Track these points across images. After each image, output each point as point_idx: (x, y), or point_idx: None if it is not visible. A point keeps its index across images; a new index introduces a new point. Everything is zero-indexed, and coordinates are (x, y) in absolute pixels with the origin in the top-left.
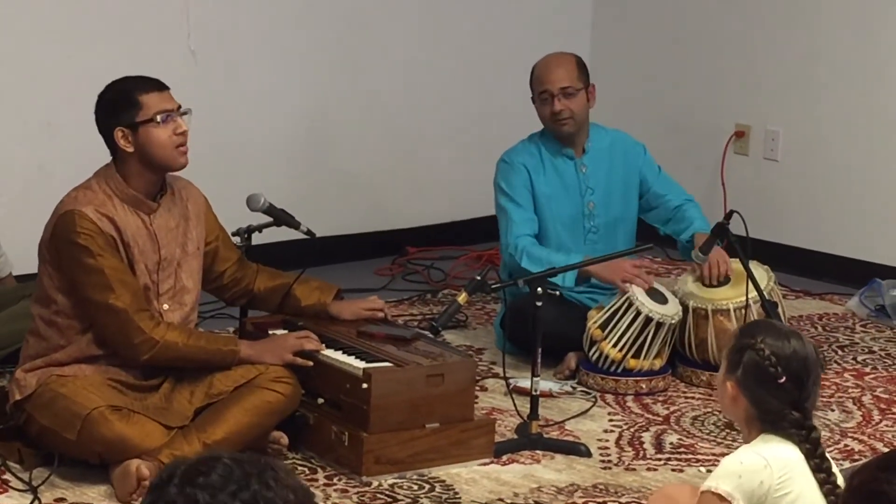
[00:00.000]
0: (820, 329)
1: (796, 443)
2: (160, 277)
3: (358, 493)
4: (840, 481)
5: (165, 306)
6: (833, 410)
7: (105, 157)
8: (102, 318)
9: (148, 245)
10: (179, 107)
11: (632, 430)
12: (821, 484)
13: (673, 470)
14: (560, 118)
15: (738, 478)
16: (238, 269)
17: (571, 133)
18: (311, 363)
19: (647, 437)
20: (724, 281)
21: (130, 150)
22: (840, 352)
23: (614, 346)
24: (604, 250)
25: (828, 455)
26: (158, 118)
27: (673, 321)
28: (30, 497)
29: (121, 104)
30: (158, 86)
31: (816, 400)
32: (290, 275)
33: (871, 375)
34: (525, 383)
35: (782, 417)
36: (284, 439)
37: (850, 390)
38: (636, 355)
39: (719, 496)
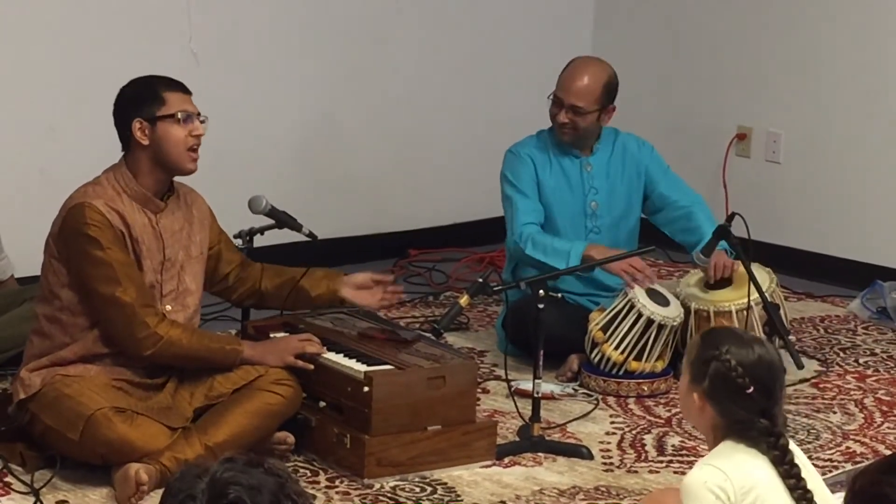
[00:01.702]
0: (822, 331)
1: (764, 450)
2: (164, 278)
3: (360, 495)
4: (811, 485)
5: (168, 307)
6: (835, 413)
7: (106, 161)
8: (108, 311)
9: (153, 244)
10: (199, 113)
11: (634, 432)
12: (791, 490)
13: (675, 472)
14: (562, 129)
15: (716, 498)
16: (242, 270)
17: (569, 143)
18: (311, 366)
19: (648, 439)
20: (725, 283)
21: (146, 142)
22: (842, 354)
23: (616, 348)
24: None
25: (797, 461)
26: (179, 115)
27: (675, 323)
28: (32, 499)
29: (144, 96)
30: (183, 88)
31: (783, 405)
32: (294, 269)
33: (873, 377)
34: (527, 385)
35: (750, 426)
36: (291, 438)
37: (851, 392)
38: (638, 357)
39: None
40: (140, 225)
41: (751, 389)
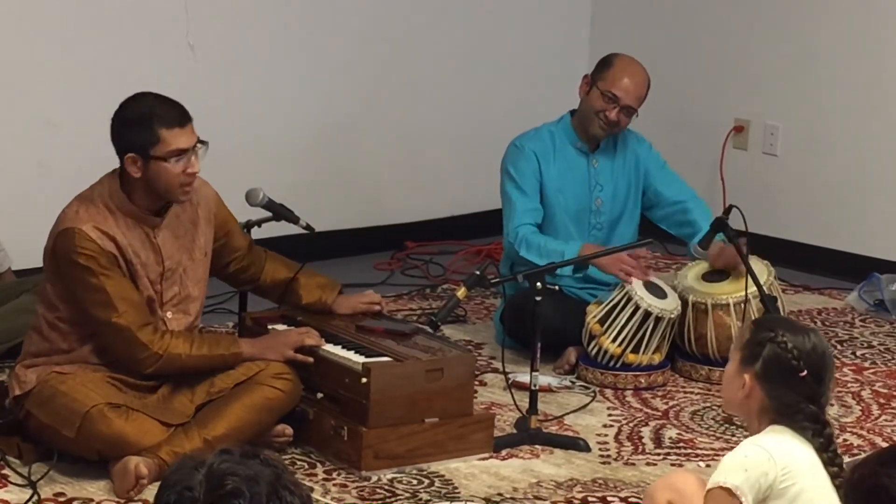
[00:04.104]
0: (819, 324)
1: (809, 437)
2: (164, 287)
3: (357, 487)
4: None
5: (169, 314)
6: (832, 405)
7: (104, 155)
8: (106, 334)
9: (151, 258)
10: (198, 140)
11: (631, 424)
12: (833, 477)
13: (672, 465)
14: (609, 125)
15: (745, 471)
16: (245, 257)
17: (598, 137)
18: (311, 359)
19: (646, 431)
20: (722, 275)
21: (138, 175)
22: (839, 346)
23: (613, 340)
24: (605, 245)
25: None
26: (173, 159)
27: (672, 315)
28: (29, 492)
29: (139, 130)
30: (181, 120)
31: (831, 397)
32: (293, 266)
33: (871, 370)
34: (524, 378)
35: (798, 410)
36: (289, 431)
37: (849, 385)
38: (635, 350)
39: (728, 490)
40: (136, 242)
41: (804, 373)
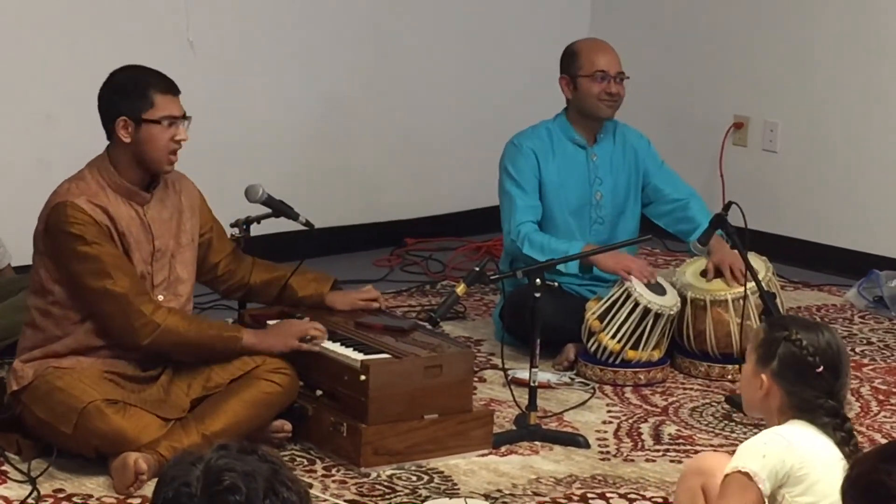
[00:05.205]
0: (818, 320)
1: (830, 431)
2: (154, 268)
3: (356, 484)
4: None
5: (160, 297)
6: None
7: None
8: (101, 304)
9: (142, 235)
10: (184, 114)
11: (630, 421)
12: None
13: (671, 461)
14: (613, 100)
15: (763, 457)
16: (232, 262)
17: (610, 117)
18: (317, 348)
19: (645, 428)
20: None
21: (128, 140)
22: None
23: (613, 337)
24: (607, 241)
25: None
26: (165, 122)
27: (671, 312)
28: (28, 488)
29: (133, 95)
30: (172, 89)
31: (848, 391)
32: (285, 267)
33: (870, 367)
34: (524, 374)
35: (818, 406)
36: (288, 426)
37: None
38: (635, 346)
39: (746, 475)
40: (127, 218)
41: (821, 368)
